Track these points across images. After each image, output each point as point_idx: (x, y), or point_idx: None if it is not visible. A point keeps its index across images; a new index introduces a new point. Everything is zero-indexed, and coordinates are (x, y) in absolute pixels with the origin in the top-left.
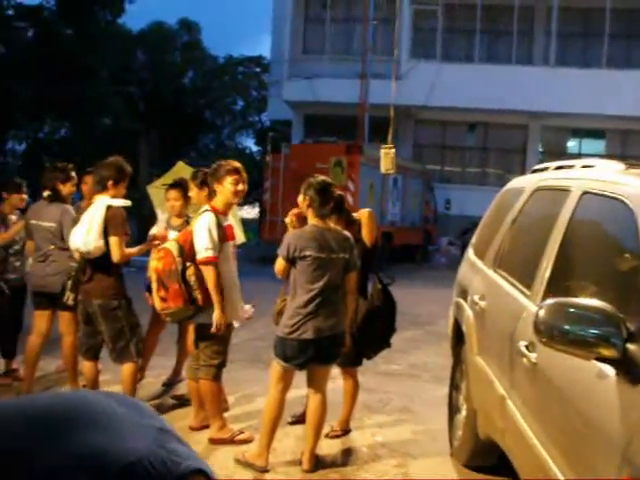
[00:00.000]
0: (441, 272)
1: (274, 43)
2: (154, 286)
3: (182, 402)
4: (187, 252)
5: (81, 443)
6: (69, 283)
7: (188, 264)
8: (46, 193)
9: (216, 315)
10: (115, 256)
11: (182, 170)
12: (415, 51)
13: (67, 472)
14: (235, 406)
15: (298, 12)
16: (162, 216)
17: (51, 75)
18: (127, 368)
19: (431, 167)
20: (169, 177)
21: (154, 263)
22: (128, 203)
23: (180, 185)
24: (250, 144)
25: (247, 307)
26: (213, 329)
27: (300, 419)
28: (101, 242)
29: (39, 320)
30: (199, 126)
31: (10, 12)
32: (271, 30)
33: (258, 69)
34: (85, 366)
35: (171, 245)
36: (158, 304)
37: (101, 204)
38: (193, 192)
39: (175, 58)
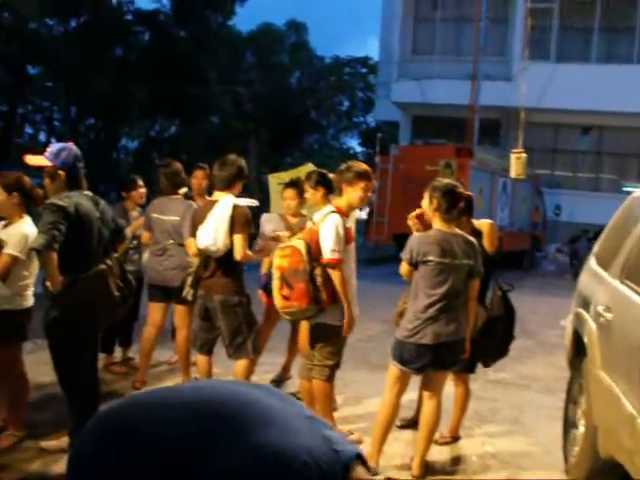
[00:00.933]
0: (549, 280)
1: (382, 44)
2: (276, 284)
3: None
4: (313, 251)
5: (258, 441)
6: (190, 279)
7: (315, 264)
8: (183, 191)
9: (347, 316)
10: (238, 254)
11: (306, 170)
12: (528, 51)
13: (245, 471)
14: (343, 407)
15: (408, 13)
16: (271, 213)
17: (164, 76)
18: (242, 364)
19: (541, 171)
20: (290, 174)
21: (278, 261)
22: (255, 203)
23: (296, 184)
24: (354, 144)
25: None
26: (345, 330)
27: (409, 423)
28: (228, 241)
29: (154, 312)
30: (305, 126)
31: (129, 17)
32: (379, 31)
33: (364, 70)
34: (199, 360)
35: (299, 243)
36: (279, 302)
37: (227, 203)
38: (308, 193)
39: (283, 59)
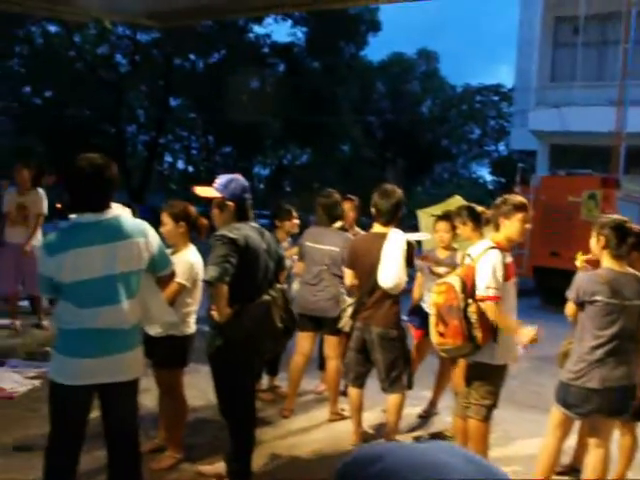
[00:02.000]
0: None
1: (518, 71)
2: (433, 320)
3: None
4: (469, 288)
5: None
6: (349, 310)
7: (470, 301)
8: (338, 224)
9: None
10: (399, 287)
11: (455, 203)
12: None
13: None
14: (494, 447)
15: (546, 39)
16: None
17: (297, 106)
18: (396, 398)
19: None
20: (440, 207)
21: (435, 297)
22: (427, 237)
23: (449, 217)
24: (484, 173)
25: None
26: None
27: (567, 470)
28: (406, 277)
29: (303, 341)
30: (435, 155)
31: (265, 50)
32: (514, 58)
33: (496, 97)
34: (352, 393)
35: (454, 280)
36: (436, 339)
37: (400, 239)
38: (459, 227)
39: (413, 88)
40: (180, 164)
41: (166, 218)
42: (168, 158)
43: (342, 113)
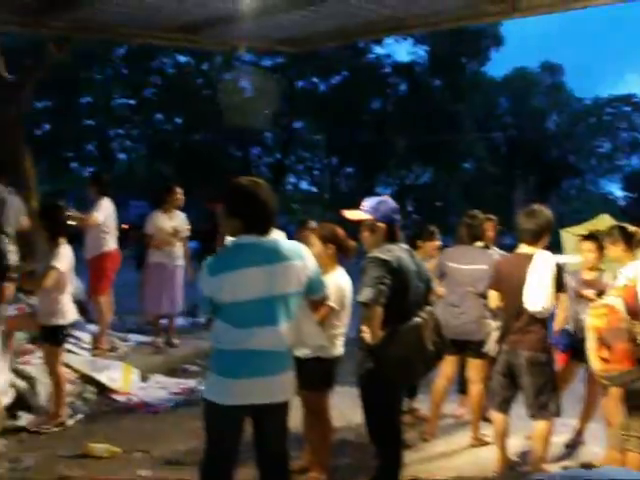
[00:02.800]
0: None
1: None
2: (593, 345)
3: None
4: (630, 309)
5: None
6: (494, 334)
7: (634, 322)
8: (479, 244)
9: None
10: (562, 314)
11: (602, 222)
12: None
13: None
14: None
15: None
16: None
17: (420, 125)
18: (543, 425)
19: None
20: (586, 227)
21: (594, 320)
22: (577, 260)
23: (595, 237)
24: (614, 189)
25: None
26: None
27: None
28: (555, 302)
29: (446, 364)
30: (562, 171)
31: (387, 70)
32: None
33: (628, 108)
34: (496, 418)
35: (615, 301)
36: (598, 365)
37: (548, 261)
38: (608, 248)
39: (538, 102)
40: (303, 184)
41: (315, 240)
42: (291, 179)
43: (465, 130)
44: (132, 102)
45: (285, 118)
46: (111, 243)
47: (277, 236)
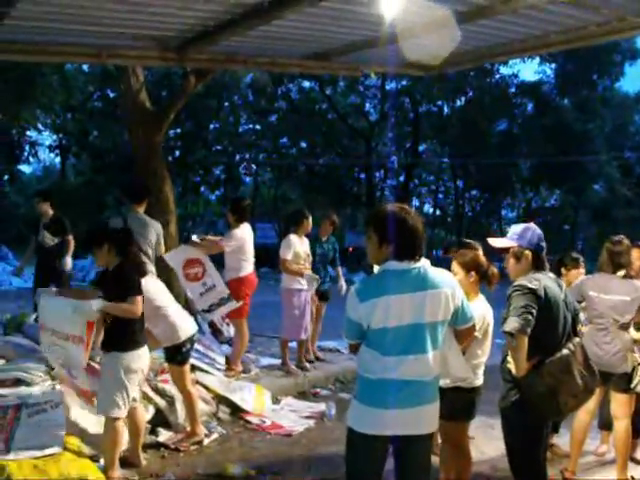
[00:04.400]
0: None
1: None
2: None
3: None
4: None
5: None
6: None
7: None
8: (621, 273)
9: None
10: None
11: None
12: None
13: None
14: None
15: None
16: None
17: (547, 146)
18: None
19: None
20: None
21: None
22: None
23: None
24: None
25: None
26: None
27: None
28: None
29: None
30: None
31: (512, 90)
32: None
33: None
34: None
35: None
36: None
37: None
38: None
39: None
40: (426, 207)
41: (457, 267)
42: (414, 202)
43: (595, 150)
44: (258, 127)
45: (409, 141)
46: (248, 267)
47: (424, 263)
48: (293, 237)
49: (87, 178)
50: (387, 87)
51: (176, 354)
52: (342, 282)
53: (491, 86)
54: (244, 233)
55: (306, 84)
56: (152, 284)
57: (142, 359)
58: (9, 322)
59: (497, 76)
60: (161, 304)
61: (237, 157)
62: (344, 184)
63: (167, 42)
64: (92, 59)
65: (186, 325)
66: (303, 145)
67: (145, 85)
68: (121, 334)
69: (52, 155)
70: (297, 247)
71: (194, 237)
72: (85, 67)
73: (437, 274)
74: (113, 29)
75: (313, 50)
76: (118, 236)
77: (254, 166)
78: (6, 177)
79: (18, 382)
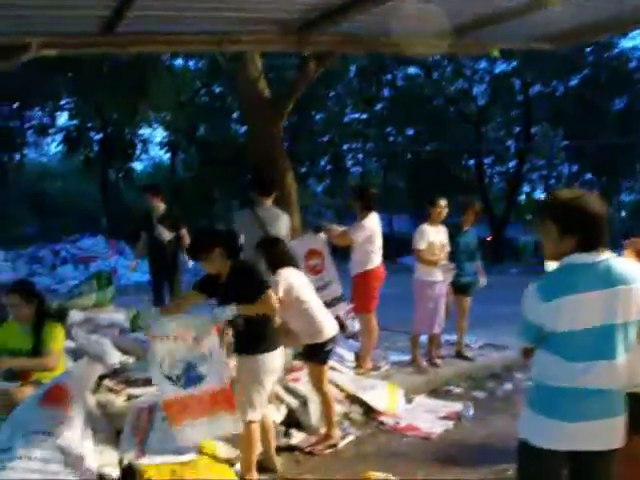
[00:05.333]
0: None
1: None
2: None
3: None
4: None
5: None
6: None
7: None
8: None
9: None
10: None
11: None
12: None
13: None
14: None
15: None
16: None
17: None
18: None
19: None
20: None
21: None
22: None
23: None
24: None
25: None
26: None
27: None
28: None
29: None
30: None
31: (633, 64)
32: None
33: None
34: None
35: None
36: None
37: None
38: None
39: None
40: (538, 193)
41: (631, 256)
42: (525, 188)
43: None
44: (364, 116)
45: (519, 124)
46: (376, 260)
47: (610, 255)
48: (426, 226)
49: (195, 172)
50: (496, 70)
51: (319, 352)
52: (482, 278)
53: (609, 62)
54: (373, 223)
55: (412, 70)
56: (295, 276)
57: (278, 360)
58: (134, 318)
59: (615, 50)
60: (304, 298)
61: (344, 147)
62: (452, 171)
63: (288, 24)
64: (213, 46)
65: (331, 323)
66: (409, 132)
67: (264, 73)
68: (258, 336)
69: (161, 152)
70: (431, 236)
71: (325, 226)
72: (191, 63)
73: (627, 267)
74: (234, 14)
75: (440, 28)
76: (227, 238)
77: (360, 156)
78: (120, 175)
79: (149, 382)
